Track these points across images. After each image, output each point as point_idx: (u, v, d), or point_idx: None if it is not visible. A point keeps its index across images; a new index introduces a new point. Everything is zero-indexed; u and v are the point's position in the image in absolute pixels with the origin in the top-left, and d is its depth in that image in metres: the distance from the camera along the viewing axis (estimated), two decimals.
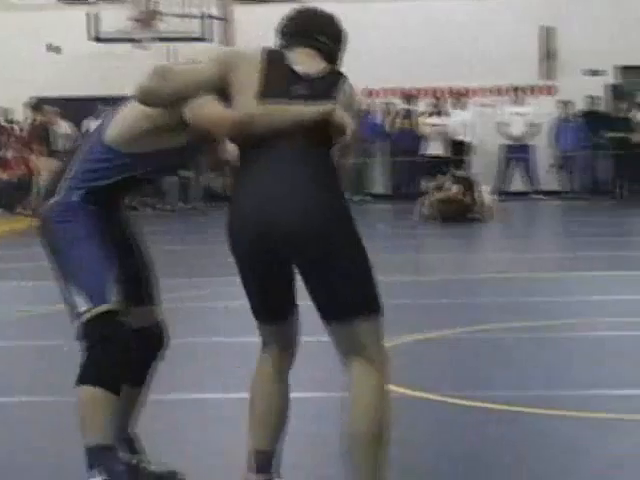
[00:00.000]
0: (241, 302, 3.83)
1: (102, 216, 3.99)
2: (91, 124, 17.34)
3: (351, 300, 3.56)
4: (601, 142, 19.75)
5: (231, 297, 6.59)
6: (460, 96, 20.00)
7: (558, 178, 20.20)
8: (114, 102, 4.34)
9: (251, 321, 3.82)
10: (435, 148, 19.31)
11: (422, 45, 20.17)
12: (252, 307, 3.79)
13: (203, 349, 7.01)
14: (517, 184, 20.12)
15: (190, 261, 12.14)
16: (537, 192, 19.84)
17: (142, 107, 3.83)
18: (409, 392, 5.47)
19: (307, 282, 3.63)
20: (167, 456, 4.35)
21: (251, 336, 3.97)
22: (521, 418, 5.15)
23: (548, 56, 20.75)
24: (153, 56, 19.76)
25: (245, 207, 3.63)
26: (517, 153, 19.98)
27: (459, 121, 19.42)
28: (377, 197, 20.50)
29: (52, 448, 4.85)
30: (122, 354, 3.89)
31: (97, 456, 3.84)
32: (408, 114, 20.02)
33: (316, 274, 3.59)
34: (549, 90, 20.84)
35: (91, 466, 3.84)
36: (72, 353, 4.13)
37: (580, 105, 20.11)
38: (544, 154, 20.05)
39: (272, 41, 3.86)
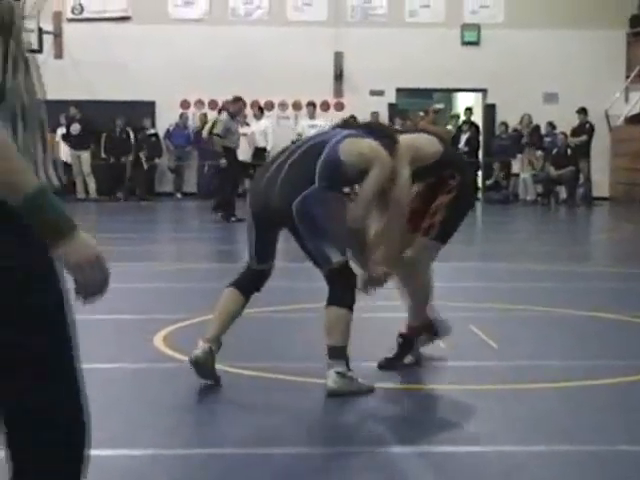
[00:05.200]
0: None
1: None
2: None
3: None
4: None
5: None
6: (262, 109, 22.70)
7: None
8: None
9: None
10: (242, 154, 20.68)
11: (235, 64, 23.15)
12: None
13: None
14: None
15: None
16: None
17: (383, 161, 5.59)
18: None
19: None
20: None
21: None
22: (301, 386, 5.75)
23: (338, 77, 23.89)
24: None
25: None
26: None
27: (261, 130, 22.17)
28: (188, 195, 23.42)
29: None
30: (354, 288, 5.64)
31: (339, 353, 5.45)
32: None
33: None
34: (340, 106, 24.03)
35: (333, 358, 5.44)
36: None
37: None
38: None
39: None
